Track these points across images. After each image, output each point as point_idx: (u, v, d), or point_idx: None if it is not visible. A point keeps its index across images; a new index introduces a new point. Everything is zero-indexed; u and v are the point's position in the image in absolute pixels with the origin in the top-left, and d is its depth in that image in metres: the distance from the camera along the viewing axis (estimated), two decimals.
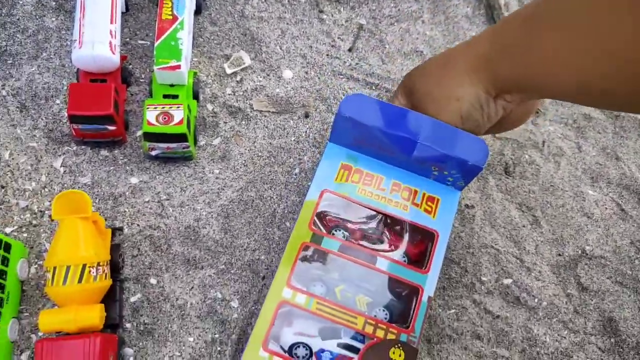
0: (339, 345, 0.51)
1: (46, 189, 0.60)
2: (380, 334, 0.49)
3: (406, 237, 0.55)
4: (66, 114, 0.62)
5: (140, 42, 0.67)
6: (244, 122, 0.65)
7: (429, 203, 0.54)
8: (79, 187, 0.60)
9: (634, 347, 0.59)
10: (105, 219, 0.59)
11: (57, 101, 0.63)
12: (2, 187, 0.59)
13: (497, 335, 0.58)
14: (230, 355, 0.55)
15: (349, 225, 0.55)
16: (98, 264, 0.51)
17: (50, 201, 0.59)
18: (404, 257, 0.54)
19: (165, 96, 0.61)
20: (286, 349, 0.51)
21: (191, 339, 0.56)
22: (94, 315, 0.49)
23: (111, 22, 0.59)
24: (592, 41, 0.39)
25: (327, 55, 0.69)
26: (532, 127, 0.69)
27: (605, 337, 0.60)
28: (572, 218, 0.65)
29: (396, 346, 0.49)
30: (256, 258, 0.59)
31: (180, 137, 0.57)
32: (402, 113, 0.51)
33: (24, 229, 0.58)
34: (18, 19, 0.66)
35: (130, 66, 0.65)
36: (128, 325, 0.55)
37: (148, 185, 0.61)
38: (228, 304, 0.57)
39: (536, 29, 0.43)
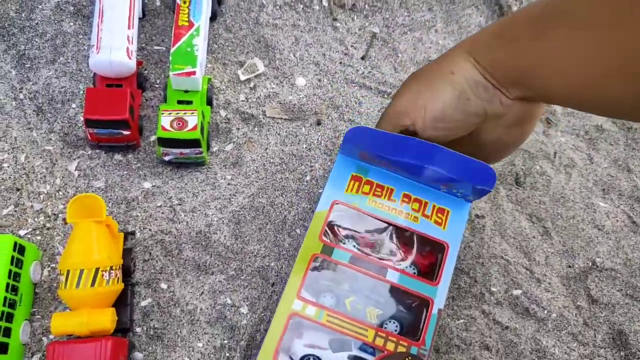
0: (349, 357, 0.51)
1: (60, 192, 0.60)
2: (390, 346, 0.50)
3: (415, 248, 0.56)
4: (82, 118, 0.63)
5: (155, 47, 0.68)
6: (256, 129, 0.65)
7: (439, 215, 0.55)
8: (92, 191, 0.60)
9: None
10: (118, 223, 0.59)
11: (73, 105, 0.64)
12: (17, 189, 0.60)
13: (505, 347, 0.58)
14: None
15: (359, 236, 0.56)
16: (111, 268, 0.51)
17: (64, 204, 0.60)
18: (413, 268, 0.55)
19: (179, 102, 0.61)
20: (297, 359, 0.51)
21: (200, 345, 0.56)
22: (106, 319, 0.50)
23: (128, 28, 0.60)
24: (595, 40, 0.38)
25: (340, 63, 0.70)
26: (543, 137, 0.69)
27: (615, 350, 0.59)
28: (583, 230, 0.65)
29: (407, 359, 0.49)
30: (266, 264, 0.60)
31: (194, 143, 0.58)
32: (404, 141, 0.50)
33: (37, 232, 0.59)
34: (37, 23, 0.67)
35: (146, 71, 0.66)
36: (138, 329, 0.56)
37: (160, 190, 0.61)
38: (237, 310, 0.58)
39: (541, 26, 0.42)
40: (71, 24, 0.67)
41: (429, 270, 0.54)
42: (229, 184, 0.62)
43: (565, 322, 0.60)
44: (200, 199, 0.61)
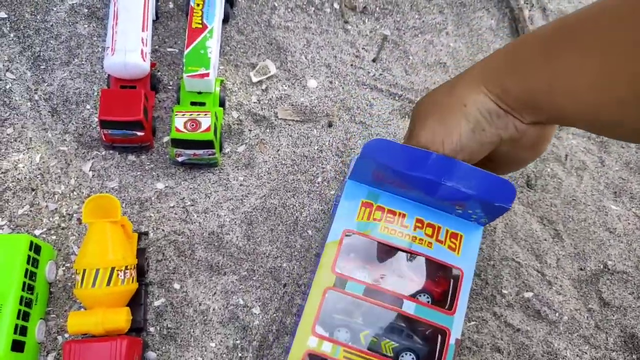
0: None
1: (75, 193, 0.61)
2: None
3: (426, 275, 0.55)
4: (96, 119, 0.64)
5: (169, 49, 0.68)
6: (268, 130, 0.66)
7: (453, 240, 0.54)
8: (106, 191, 0.61)
9: None
10: (132, 223, 0.60)
11: (88, 106, 0.64)
12: (33, 189, 0.60)
13: (517, 349, 0.58)
14: None
15: (370, 267, 0.55)
16: (126, 268, 0.52)
17: (78, 204, 0.60)
18: (427, 297, 0.54)
19: (192, 103, 0.62)
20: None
21: (213, 345, 0.56)
22: (121, 318, 0.50)
23: (143, 30, 0.61)
24: (607, 66, 0.38)
25: (352, 65, 0.70)
26: (554, 140, 0.69)
27: (626, 354, 0.59)
28: (594, 232, 0.65)
29: None
30: (278, 265, 0.60)
31: (207, 144, 0.58)
32: (426, 155, 0.49)
33: (52, 232, 0.59)
34: (52, 25, 0.68)
35: (159, 73, 0.67)
36: (152, 329, 0.56)
37: (173, 191, 0.62)
38: (250, 310, 0.58)
39: (554, 48, 0.42)
40: (85, 26, 0.68)
41: (442, 298, 0.54)
42: (241, 185, 0.63)
43: (576, 324, 0.60)
44: (213, 200, 0.62)
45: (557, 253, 0.63)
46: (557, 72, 0.42)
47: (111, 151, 0.63)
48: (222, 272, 0.59)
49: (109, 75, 0.63)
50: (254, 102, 0.67)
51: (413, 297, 0.53)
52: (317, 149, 0.66)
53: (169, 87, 0.67)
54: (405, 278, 0.55)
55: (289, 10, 0.72)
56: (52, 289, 0.57)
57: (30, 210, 0.60)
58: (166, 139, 0.64)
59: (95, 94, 0.65)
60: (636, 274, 0.63)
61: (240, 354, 0.56)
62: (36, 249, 0.54)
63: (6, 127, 0.63)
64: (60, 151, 0.62)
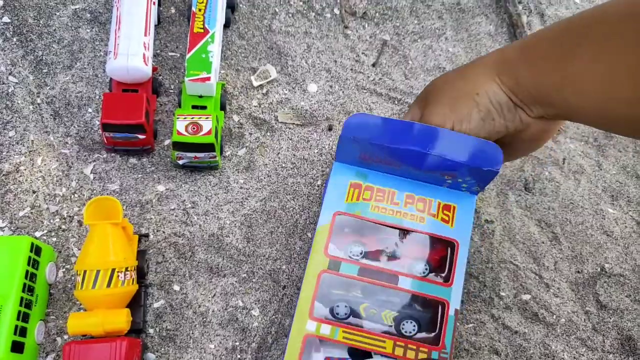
0: None
1: (76, 195, 0.61)
2: (411, 355, 0.49)
3: (424, 246, 0.55)
4: (97, 123, 0.64)
5: (170, 54, 0.69)
6: (268, 134, 0.66)
7: (446, 212, 0.53)
8: (107, 194, 0.61)
9: None
10: (132, 225, 0.60)
11: (89, 110, 0.65)
12: (34, 192, 0.61)
13: (515, 351, 0.59)
14: None
15: (366, 242, 0.55)
16: (126, 269, 0.52)
17: (79, 207, 0.61)
18: (425, 266, 0.54)
19: (194, 107, 0.62)
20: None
21: (212, 346, 0.57)
22: (121, 320, 0.50)
23: (145, 35, 0.61)
24: (616, 65, 0.39)
25: (351, 70, 0.71)
26: (552, 144, 0.69)
27: (623, 356, 0.59)
28: (592, 236, 0.65)
29: None
30: (277, 268, 0.60)
31: (208, 147, 0.59)
32: (409, 126, 0.49)
33: (53, 234, 0.60)
34: (54, 30, 0.68)
35: (160, 77, 0.67)
36: (151, 330, 0.57)
37: (174, 194, 0.62)
38: (249, 312, 0.58)
39: (567, 46, 0.43)
40: (88, 30, 0.69)
41: (440, 264, 0.54)
42: (241, 188, 0.63)
43: (574, 327, 0.60)
44: (213, 203, 0.62)
45: (555, 256, 0.64)
46: (569, 70, 0.42)
47: (112, 154, 0.63)
48: (222, 274, 0.59)
49: (111, 79, 0.63)
50: (255, 106, 0.67)
51: (411, 269, 0.53)
52: (317, 152, 0.66)
53: (171, 91, 0.67)
54: (402, 251, 0.54)
55: (290, 15, 0.73)
56: (52, 290, 0.57)
57: (31, 212, 0.60)
58: (167, 142, 0.65)
59: (97, 97, 0.66)
60: (633, 276, 0.63)
61: (239, 356, 0.56)
62: (37, 250, 0.54)
63: (8, 130, 0.63)
64: (62, 154, 0.63)
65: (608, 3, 0.42)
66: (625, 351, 0.60)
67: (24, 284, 0.52)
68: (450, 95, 0.49)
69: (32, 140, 0.63)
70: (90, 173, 0.62)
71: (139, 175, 0.63)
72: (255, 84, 0.68)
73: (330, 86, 0.69)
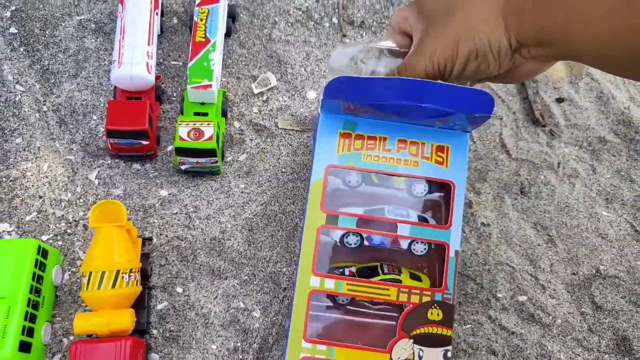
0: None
1: (81, 200, 0.63)
2: (415, 299, 0.50)
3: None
4: (102, 129, 0.66)
5: (173, 62, 0.71)
6: (269, 140, 0.68)
7: (439, 153, 0.52)
8: (111, 199, 0.63)
9: None
10: (136, 229, 0.62)
11: (94, 117, 0.67)
12: (40, 197, 0.62)
13: (511, 352, 0.60)
14: None
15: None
16: (130, 271, 0.53)
17: (84, 211, 0.62)
18: (425, 186, 0.53)
19: (196, 113, 0.64)
20: (338, 240, 0.52)
21: (214, 347, 0.58)
22: (126, 320, 0.52)
23: (148, 44, 0.63)
24: None
25: None
26: (547, 149, 0.71)
27: (619, 356, 0.60)
28: (587, 238, 0.66)
29: (433, 307, 0.49)
30: (278, 270, 0.62)
31: (210, 153, 0.60)
32: (393, 83, 0.47)
33: (58, 237, 0.61)
34: (60, 40, 0.70)
35: (163, 85, 0.69)
36: (155, 331, 0.58)
37: (177, 198, 0.64)
38: (250, 313, 0.59)
39: None
40: (93, 40, 0.71)
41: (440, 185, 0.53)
42: (242, 193, 0.65)
43: (570, 327, 0.61)
44: (215, 207, 0.64)
45: (551, 258, 0.65)
46: (577, 6, 0.41)
47: (117, 160, 0.65)
48: (224, 277, 0.61)
49: (115, 87, 0.65)
50: (255, 113, 0.69)
51: (411, 190, 0.53)
52: None
53: (173, 99, 0.69)
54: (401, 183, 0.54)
55: (289, 24, 0.74)
56: (58, 292, 0.59)
57: (38, 217, 0.62)
58: (170, 147, 0.66)
59: (102, 105, 0.67)
60: (628, 278, 0.64)
61: (240, 356, 0.57)
62: (44, 253, 0.56)
63: (15, 137, 0.65)
64: (68, 160, 0.65)
65: None
66: (621, 351, 0.61)
67: (31, 286, 0.53)
68: (450, 30, 0.46)
69: (39, 147, 0.65)
70: (95, 178, 0.64)
71: (143, 181, 0.64)
72: (256, 91, 0.70)
73: None
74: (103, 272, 0.52)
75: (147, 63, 0.63)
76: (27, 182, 0.63)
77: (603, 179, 0.70)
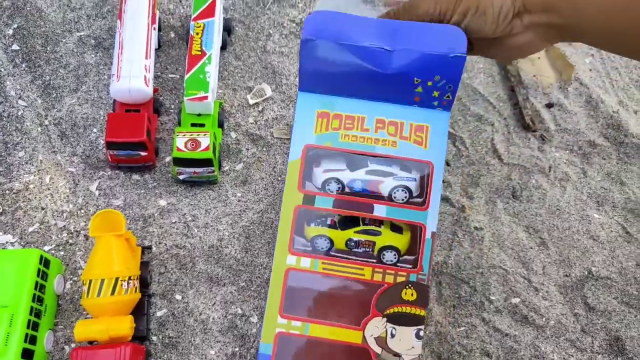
0: (367, 172, 0.51)
1: (82, 211, 0.64)
2: (389, 279, 0.50)
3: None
4: (102, 142, 0.68)
5: (170, 75, 0.73)
6: (264, 149, 0.69)
7: (418, 133, 0.51)
8: (112, 209, 0.64)
9: None
10: (136, 238, 0.63)
11: (94, 130, 0.69)
12: (42, 208, 0.64)
13: (506, 353, 0.61)
14: None
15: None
16: (129, 278, 0.55)
17: (85, 222, 0.64)
18: (405, 193, 0.53)
19: (193, 124, 0.66)
20: (319, 186, 0.52)
21: (213, 352, 0.59)
22: (125, 326, 0.53)
23: (146, 58, 0.65)
24: None
25: None
26: (538, 153, 0.72)
27: (612, 356, 0.61)
28: (579, 240, 0.67)
29: (407, 287, 0.49)
30: None
31: (207, 162, 0.62)
32: (371, 22, 0.47)
33: (60, 248, 0.63)
34: (61, 56, 0.72)
35: (161, 97, 0.71)
36: (154, 338, 0.59)
37: (175, 207, 0.65)
38: (248, 319, 0.61)
39: None
40: (92, 55, 0.73)
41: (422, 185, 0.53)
42: (239, 201, 0.66)
43: (563, 328, 0.62)
44: (213, 215, 0.65)
45: (543, 260, 0.66)
46: None
47: (117, 171, 0.67)
48: (222, 283, 0.62)
49: (114, 100, 0.67)
50: (251, 123, 0.71)
51: (390, 193, 0.52)
52: None
53: (171, 110, 0.71)
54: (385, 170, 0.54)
55: (283, 36, 0.76)
56: (60, 301, 0.60)
57: (40, 228, 0.63)
58: (168, 158, 0.68)
59: (102, 118, 0.69)
60: (620, 279, 0.65)
61: None
62: (46, 263, 0.57)
63: (18, 150, 0.67)
64: (69, 172, 0.66)
65: None
66: (614, 351, 0.62)
67: (34, 295, 0.54)
68: None
69: (41, 160, 0.66)
70: (96, 190, 0.66)
71: (142, 191, 0.66)
72: (251, 102, 0.72)
73: None
74: (102, 280, 0.53)
75: (145, 76, 0.65)
76: (30, 194, 0.65)
77: (594, 182, 0.71)
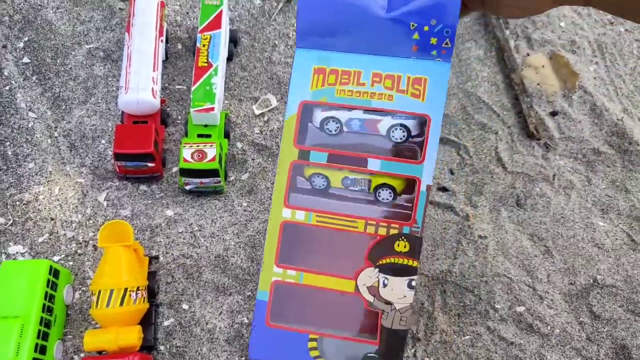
0: (365, 112, 0.51)
1: (90, 221, 0.66)
2: (382, 232, 0.50)
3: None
4: (110, 153, 0.69)
5: (177, 87, 0.74)
6: (270, 159, 0.70)
7: (416, 86, 0.50)
8: (120, 219, 0.65)
9: None
10: (143, 248, 0.64)
11: (103, 141, 0.70)
12: (52, 219, 0.65)
13: None
14: None
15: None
16: (137, 289, 0.55)
17: (94, 232, 0.65)
18: (403, 131, 0.52)
19: (199, 135, 0.67)
20: (318, 125, 0.52)
21: None
22: (134, 336, 0.54)
23: (153, 70, 0.66)
24: None
25: None
26: (542, 161, 0.72)
27: None
28: (583, 248, 0.67)
29: (400, 239, 0.50)
30: None
31: (213, 173, 0.63)
32: None
33: (69, 258, 0.64)
34: (70, 68, 0.74)
35: (168, 108, 0.72)
36: (162, 347, 0.60)
37: (182, 217, 0.66)
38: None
39: None
40: (101, 67, 0.74)
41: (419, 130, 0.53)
42: (245, 211, 0.67)
43: (568, 337, 0.62)
44: (219, 225, 0.66)
45: (548, 268, 0.66)
46: None
47: (124, 182, 0.68)
48: (228, 293, 0.63)
49: (122, 111, 0.68)
50: (257, 133, 0.72)
51: (388, 132, 0.52)
52: None
53: (178, 121, 0.72)
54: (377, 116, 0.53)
55: (289, 47, 0.77)
56: (69, 311, 0.61)
57: (50, 238, 0.64)
58: (175, 169, 0.69)
59: (110, 129, 0.70)
60: (625, 287, 0.65)
61: None
62: (55, 273, 0.58)
63: (28, 162, 0.68)
64: (78, 183, 0.67)
65: None
66: None
67: (44, 305, 0.55)
68: None
69: (50, 171, 0.68)
70: (104, 200, 0.67)
71: (149, 201, 0.67)
72: (257, 112, 0.73)
73: None
74: (111, 290, 0.54)
75: (153, 88, 0.66)
76: (40, 205, 0.66)
77: (598, 190, 0.71)
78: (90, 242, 0.65)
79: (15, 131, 0.70)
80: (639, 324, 0.63)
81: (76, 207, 0.66)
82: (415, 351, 0.61)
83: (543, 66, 0.79)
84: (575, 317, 0.64)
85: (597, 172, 0.72)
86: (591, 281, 0.66)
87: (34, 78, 0.73)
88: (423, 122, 0.52)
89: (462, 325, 0.62)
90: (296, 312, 0.52)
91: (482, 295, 0.64)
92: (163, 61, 0.74)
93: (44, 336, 0.55)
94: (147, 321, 0.59)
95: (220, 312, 0.62)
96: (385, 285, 0.51)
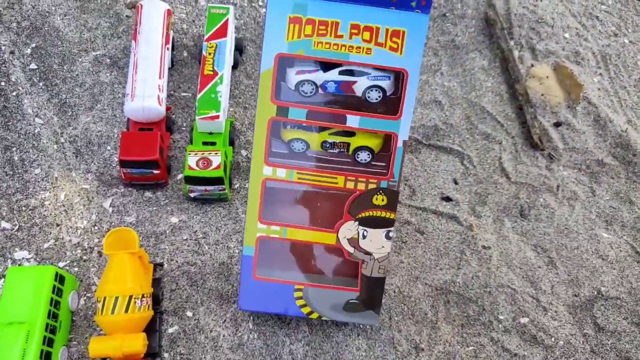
0: (340, 73, 0.51)
1: (96, 227, 0.66)
2: (361, 186, 0.52)
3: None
4: (116, 159, 0.69)
5: (183, 94, 0.74)
6: None
7: (394, 39, 0.50)
8: (125, 226, 0.66)
9: None
10: (148, 255, 0.64)
11: (109, 147, 0.70)
12: (57, 225, 0.65)
13: None
14: None
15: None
16: (142, 296, 0.56)
17: (99, 238, 0.65)
18: (379, 92, 0.52)
19: (204, 143, 0.67)
20: (293, 88, 0.52)
21: None
22: (138, 343, 0.54)
23: (159, 78, 0.67)
24: None
25: None
26: (546, 172, 0.72)
27: None
28: (587, 260, 0.67)
29: (378, 193, 0.51)
30: None
31: (218, 181, 0.63)
32: None
33: (74, 264, 0.64)
34: (77, 75, 0.74)
35: (174, 116, 0.72)
36: (166, 355, 0.60)
37: (187, 225, 0.66)
38: (257, 336, 0.61)
39: None
40: (107, 74, 0.74)
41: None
42: None
43: (572, 349, 0.62)
44: (223, 233, 0.66)
45: (552, 280, 0.66)
46: None
47: (129, 188, 0.68)
48: (232, 300, 0.63)
49: (128, 118, 0.68)
50: None
51: (364, 93, 0.53)
52: None
53: (183, 128, 0.72)
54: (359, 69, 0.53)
55: None
56: (74, 318, 0.61)
57: (55, 244, 0.64)
58: (180, 176, 0.69)
59: (116, 136, 0.71)
60: (629, 299, 0.65)
61: None
62: (61, 279, 0.58)
63: (34, 167, 0.68)
64: (83, 189, 0.68)
65: None
66: None
67: (49, 311, 0.55)
68: None
69: (56, 177, 0.68)
70: (109, 206, 0.67)
71: (154, 208, 0.67)
72: None
73: None
74: (117, 298, 0.54)
75: (158, 96, 0.66)
76: (45, 210, 0.66)
77: (602, 201, 0.71)
78: (96, 248, 0.65)
79: (21, 137, 0.70)
80: None
81: (82, 213, 0.66)
82: None
83: (547, 77, 0.79)
84: (580, 329, 0.63)
85: (601, 184, 0.72)
86: (595, 293, 0.65)
87: (40, 84, 0.73)
88: (398, 82, 0.52)
89: (466, 336, 0.62)
90: (281, 265, 0.55)
91: (485, 305, 0.64)
92: (169, 69, 0.74)
93: (49, 342, 0.55)
94: (152, 328, 0.59)
95: (224, 320, 0.62)
96: (364, 237, 0.53)
